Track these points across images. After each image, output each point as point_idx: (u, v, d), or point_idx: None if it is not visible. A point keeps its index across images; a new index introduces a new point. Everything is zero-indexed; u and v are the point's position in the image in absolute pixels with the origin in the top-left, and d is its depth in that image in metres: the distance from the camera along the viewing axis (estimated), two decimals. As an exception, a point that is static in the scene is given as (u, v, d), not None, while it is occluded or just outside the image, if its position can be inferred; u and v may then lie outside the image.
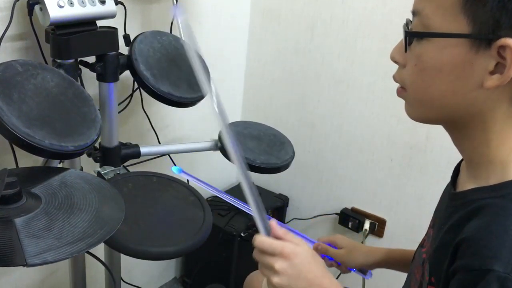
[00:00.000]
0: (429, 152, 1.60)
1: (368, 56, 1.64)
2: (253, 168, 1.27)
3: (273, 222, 0.70)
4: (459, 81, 0.62)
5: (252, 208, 0.68)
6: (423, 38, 0.63)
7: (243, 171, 0.66)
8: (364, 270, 1.04)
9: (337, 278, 1.83)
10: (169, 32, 1.38)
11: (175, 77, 1.20)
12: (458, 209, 0.67)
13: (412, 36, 0.65)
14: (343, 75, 1.72)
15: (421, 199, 1.65)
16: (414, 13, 0.65)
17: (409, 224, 1.70)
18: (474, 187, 0.67)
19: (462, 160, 0.75)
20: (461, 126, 0.66)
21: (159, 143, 1.56)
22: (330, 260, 1.05)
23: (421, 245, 0.81)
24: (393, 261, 1.00)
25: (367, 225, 1.78)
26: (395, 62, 0.69)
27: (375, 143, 1.71)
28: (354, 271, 1.04)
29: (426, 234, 0.81)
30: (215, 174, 1.97)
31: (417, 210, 1.67)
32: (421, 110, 0.68)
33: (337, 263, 1.04)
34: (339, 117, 1.77)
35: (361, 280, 1.75)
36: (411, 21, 0.66)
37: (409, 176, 1.67)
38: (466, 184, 0.70)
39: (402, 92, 0.69)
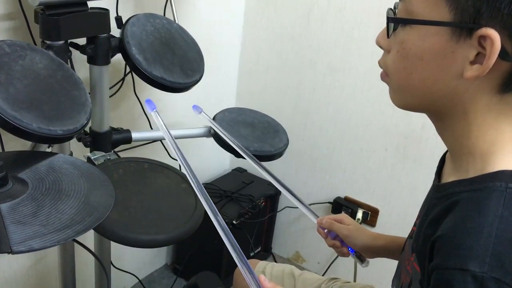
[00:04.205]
0: (424, 142, 1.59)
1: (365, 44, 1.62)
2: (247, 155, 1.25)
3: (262, 277, 0.73)
4: (440, 70, 0.61)
5: (242, 270, 0.73)
6: (406, 25, 0.62)
7: (230, 242, 0.73)
8: (362, 257, 1.02)
9: (332, 261, 1.84)
10: (162, 15, 1.35)
11: (168, 62, 1.18)
12: (438, 201, 0.66)
13: (393, 22, 0.64)
14: (339, 62, 1.70)
15: (415, 189, 1.65)
16: None
17: (402, 214, 1.70)
18: (454, 180, 0.66)
19: (447, 150, 0.74)
20: (443, 116, 0.65)
21: (151, 128, 1.53)
22: (333, 237, 1.02)
23: (410, 236, 0.80)
24: (397, 249, 0.99)
25: (360, 215, 1.78)
26: (380, 47, 0.68)
27: (370, 132, 1.70)
28: (353, 253, 1.01)
29: (414, 225, 0.80)
30: (208, 161, 1.96)
31: (411, 200, 1.67)
32: (403, 97, 0.68)
33: (340, 241, 1.02)
34: (335, 105, 1.76)
35: (353, 270, 1.76)
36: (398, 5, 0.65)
37: (403, 165, 1.66)
38: (449, 176, 0.69)
39: (385, 77, 0.69)
